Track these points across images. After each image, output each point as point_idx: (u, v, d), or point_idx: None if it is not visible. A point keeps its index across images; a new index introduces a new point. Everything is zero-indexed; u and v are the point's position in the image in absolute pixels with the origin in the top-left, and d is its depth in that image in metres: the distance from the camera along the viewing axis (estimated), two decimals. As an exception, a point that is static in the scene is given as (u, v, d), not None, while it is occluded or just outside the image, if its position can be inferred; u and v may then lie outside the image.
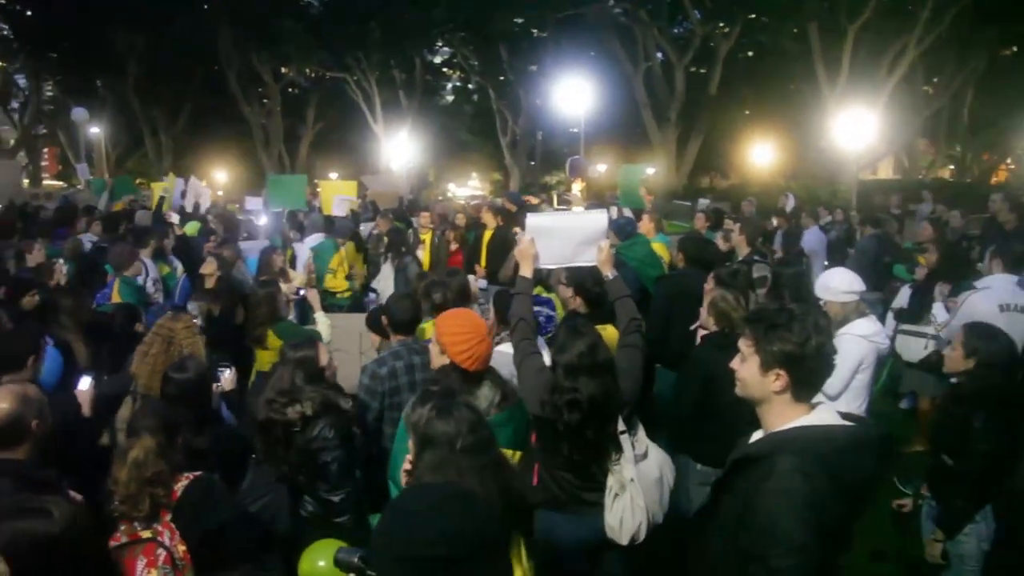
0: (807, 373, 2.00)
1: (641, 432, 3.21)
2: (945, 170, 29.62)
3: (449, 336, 3.13)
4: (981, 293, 5.03)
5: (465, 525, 1.52)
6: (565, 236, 3.61)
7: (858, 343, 4.00)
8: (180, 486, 2.46)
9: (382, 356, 3.83)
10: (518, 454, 3.09)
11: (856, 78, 20.52)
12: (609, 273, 3.58)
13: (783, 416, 2.03)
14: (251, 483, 3.02)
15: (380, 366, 3.70)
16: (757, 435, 2.12)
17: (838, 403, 4.07)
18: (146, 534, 2.33)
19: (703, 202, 13.62)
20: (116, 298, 6.08)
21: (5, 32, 30.81)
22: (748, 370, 2.07)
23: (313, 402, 3.09)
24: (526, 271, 3.53)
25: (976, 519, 3.34)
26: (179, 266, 7.75)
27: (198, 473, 2.55)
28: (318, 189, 14.80)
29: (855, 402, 4.08)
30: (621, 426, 3.08)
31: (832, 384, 4.04)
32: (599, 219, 3.67)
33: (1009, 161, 30.68)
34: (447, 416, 2.25)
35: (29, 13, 29.25)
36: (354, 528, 3.05)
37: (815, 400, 2.07)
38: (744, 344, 2.09)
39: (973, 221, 10.10)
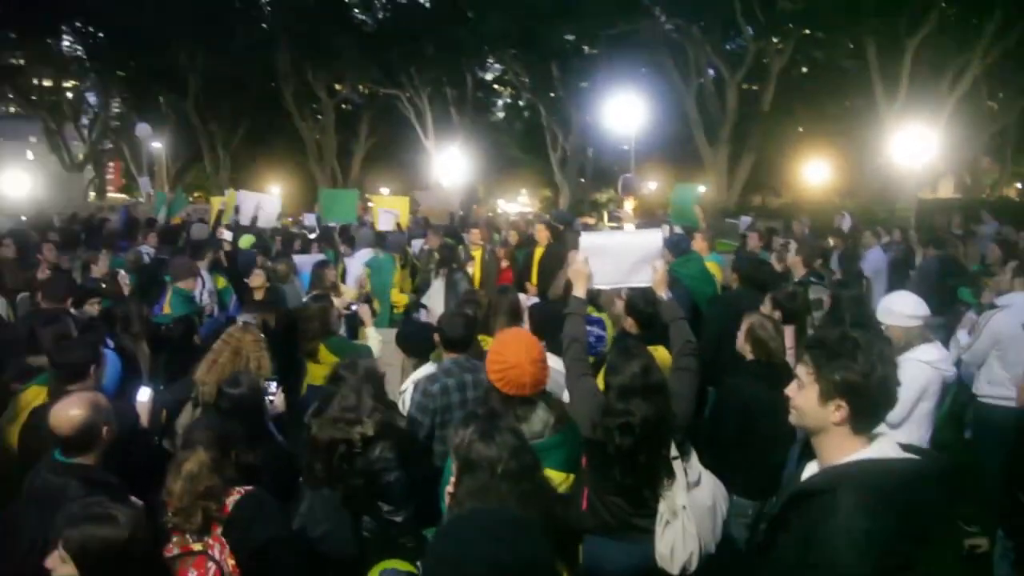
0: (870, 405, 1.91)
1: (694, 458, 3.13)
2: (1011, 188, 28.61)
3: (490, 357, 3.15)
4: (1003, 312, 4.84)
5: (516, 553, 1.51)
6: (619, 255, 3.56)
7: (922, 369, 3.86)
8: (231, 500, 2.49)
9: (434, 373, 3.83)
10: (571, 477, 3.05)
11: (916, 94, 19.90)
12: (663, 294, 3.52)
13: (842, 449, 1.93)
14: (310, 507, 2.99)
15: (432, 383, 3.70)
16: (812, 468, 2.03)
17: (900, 432, 3.94)
18: (197, 547, 2.37)
19: (745, 220, 13.42)
20: (167, 309, 6.25)
21: (79, 53, 32.13)
22: (806, 399, 1.98)
23: (375, 422, 3.10)
24: (579, 291, 3.49)
25: None
26: (233, 280, 7.92)
27: (250, 488, 2.57)
28: (370, 204, 15.04)
29: (918, 431, 3.93)
30: (674, 451, 3.01)
31: (895, 412, 3.88)
32: (654, 238, 3.63)
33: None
34: (489, 440, 2.24)
35: (101, 35, 30.47)
36: (416, 548, 3.03)
37: (876, 430, 1.99)
38: (803, 371, 2.00)
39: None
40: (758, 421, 3.60)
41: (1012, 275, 5.23)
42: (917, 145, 16.92)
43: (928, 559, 1.96)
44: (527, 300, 6.27)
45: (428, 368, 4.05)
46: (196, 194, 33.89)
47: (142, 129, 24.72)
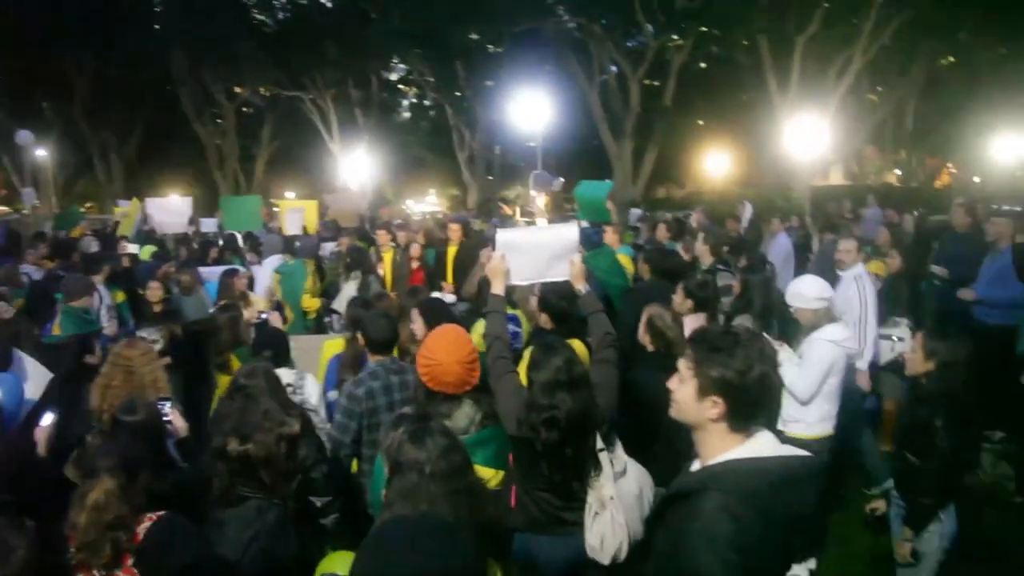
0: (746, 403, 1.88)
1: (619, 449, 3.16)
2: (891, 175, 30.48)
3: (421, 352, 3.17)
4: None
5: (443, 562, 1.49)
6: (536, 251, 3.55)
7: (829, 348, 4.04)
8: (143, 528, 2.32)
9: (360, 377, 3.77)
10: (500, 474, 3.04)
11: (806, 87, 21.07)
12: (582, 288, 3.53)
13: (716, 447, 1.91)
14: (238, 526, 2.81)
15: (357, 387, 3.64)
16: (695, 466, 2.01)
17: (810, 407, 4.11)
18: (106, 583, 2.20)
19: (635, 212, 13.83)
20: (57, 330, 5.87)
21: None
22: (684, 393, 1.95)
23: (297, 418, 2.99)
24: (498, 288, 3.47)
25: (940, 517, 3.40)
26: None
27: (161, 513, 2.42)
28: (275, 209, 14.58)
29: (827, 406, 4.12)
30: (600, 443, 3.02)
31: (804, 389, 4.08)
32: (570, 233, 3.62)
33: (950, 165, 31.70)
34: (419, 442, 2.19)
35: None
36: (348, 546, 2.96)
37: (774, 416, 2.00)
38: (683, 365, 1.97)
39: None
40: (661, 413, 3.66)
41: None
42: (809, 136, 17.75)
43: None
44: (447, 298, 6.23)
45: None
46: (88, 204, 32.02)
47: (23, 137, 23.12)
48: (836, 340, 4.08)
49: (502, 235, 3.67)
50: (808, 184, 20.51)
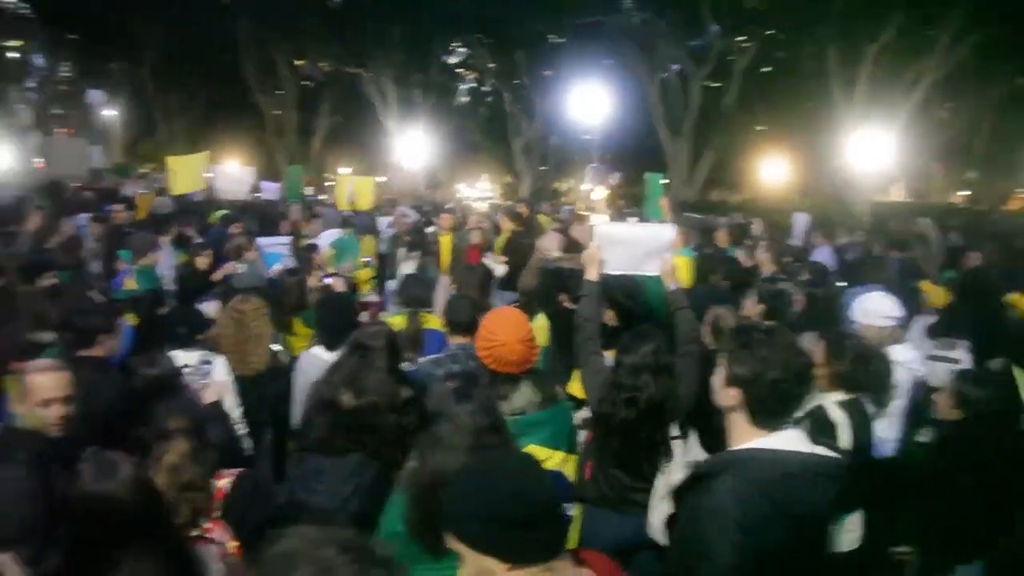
0: (760, 402, 2.01)
1: (694, 441, 3.31)
2: (956, 196, 29.60)
3: (480, 334, 3.27)
4: None
5: (541, 486, 1.64)
6: (631, 245, 3.78)
7: (894, 369, 3.96)
8: (225, 483, 2.42)
9: (439, 357, 3.84)
10: (558, 454, 3.11)
11: (873, 99, 20.43)
12: (671, 285, 3.70)
13: (741, 435, 2.05)
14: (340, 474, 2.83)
15: (437, 367, 3.71)
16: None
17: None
18: (194, 532, 2.29)
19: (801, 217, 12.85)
20: (133, 284, 6.09)
21: (25, 11, 30.73)
22: (716, 380, 2.12)
23: (408, 387, 3.10)
24: (591, 275, 3.69)
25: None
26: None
27: (241, 470, 2.51)
28: (329, 183, 14.80)
29: (890, 428, 4.04)
30: (676, 432, 3.21)
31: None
32: (666, 233, 3.86)
33: (1021, 190, 30.63)
34: (458, 397, 2.42)
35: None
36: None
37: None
38: (722, 354, 2.15)
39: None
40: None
41: None
42: (873, 149, 17.36)
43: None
44: (497, 269, 6.31)
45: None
46: (151, 165, 32.86)
47: (95, 96, 23.88)
48: (902, 361, 4.01)
49: (600, 227, 3.96)
50: (868, 199, 20.07)
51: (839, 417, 3.30)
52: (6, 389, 3.17)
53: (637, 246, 3.77)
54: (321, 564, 1.31)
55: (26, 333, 4.18)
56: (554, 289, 4.95)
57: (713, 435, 3.37)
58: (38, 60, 33.15)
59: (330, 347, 4.10)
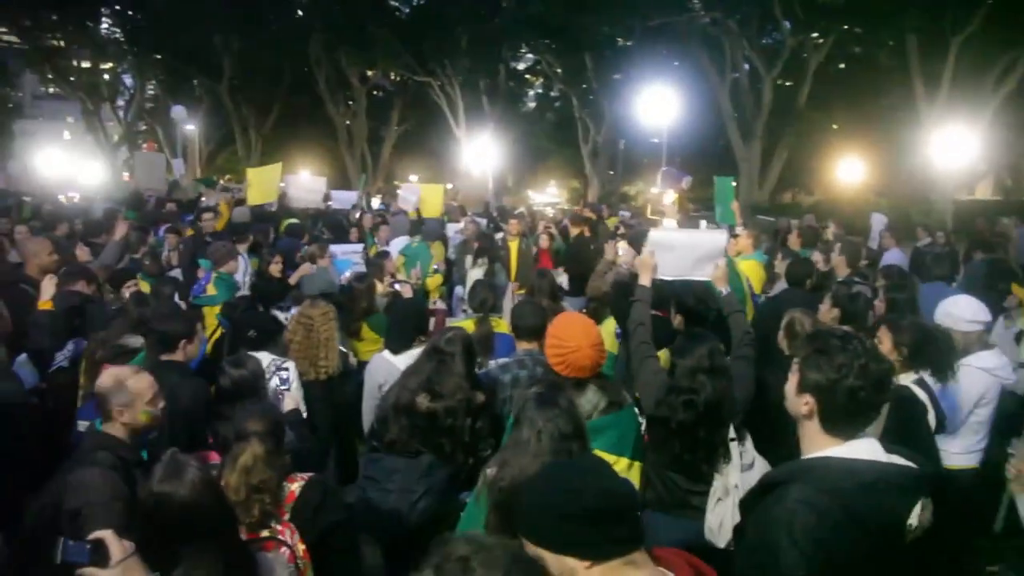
0: (835, 410, 1.93)
1: (749, 443, 3.30)
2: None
3: (550, 341, 3.24)
4: None
5: (620, 483, 1.70)
6: (685, 251, 3.80)
7: (980, 376, 3.79)
8: (296, 486, 2.48)
9: (507, 362, 3.87)
10: (622, 460, 3.09)
11: (958, 93, 19.41)
12: (724, 289, 3.72)
13: (813, 443, 1.98)
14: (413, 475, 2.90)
15: (504, 372, 3.75)
16: None
17: (956, 438, 3.87)
18: (265, 533, 2.35)
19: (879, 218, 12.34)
20: (212, 290, 6.33)
21: (117, 35, 32.50)
22: (789, 386, 2.06)
23: (482, 392, 3.19)
24: (645, 280, 3.73)
25: None
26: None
27: (311, 475, 2.58)
28: (399, 191, 15.01)
29: (973, 438, 3.87)
30: (732, 434, 3.20)
31: (949, 420, 3.84)
32: (719, 238, 3.90)
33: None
34: (541, 403, 2.42)
35: (139, 17, 30.78)
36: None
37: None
38: (796, 360, 2.08)
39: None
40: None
41: None
42: (957, 145, 16.58)
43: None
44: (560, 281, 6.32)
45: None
46: (228, 176, 34.17)
47: (177, 111, 24.97)
48: (988, 368, 3.82)
49: (654, 234, 3.94)
50: (951, 198, 19.16)
51: (922, 395, 3.33)
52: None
53: (690, 251, 3.81)
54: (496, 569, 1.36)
55: (116, 338, 4.39)
56: (626, 298, 4.91)
57: (768, 437, 3.40)
58: (127, 79, 34.98)
59: (396, 351, 4.16)
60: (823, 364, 1.94)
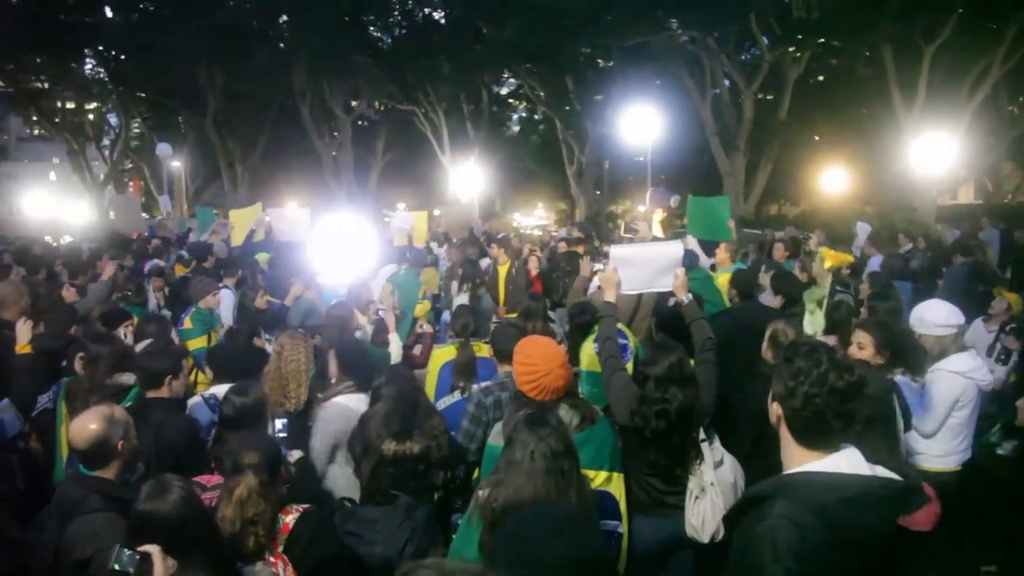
0: (796, 417, 1.96)
1: (717, 441, 3.44)
2: (1032, 194, 28.28)
3: (519, 368, 3.29)
4: None
5: (588, 547, 1.65)
6: (645, 264, 3.97)
7: (954, 380, 3.84)
8: (291, 519, 2.49)
9: (489, 385, 3.90)
10: (601, 474, 3.13)
11: (934, 100, 19.73)
12: (684, 297, 3.90)
13: (792, 458, 2.00)
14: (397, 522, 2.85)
15: (487, 395, 3.79)
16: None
17: (934, 442, 3.92)
18: (259, 565, 2.36)
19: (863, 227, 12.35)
20: (188, 324, 6.37)
21: (101, 75, 32.66)
22: (770, 396, 2.09)
23: (443, 420, 3.26)
24: (610, 296, 3.87)
25: None
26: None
27: (306, 506, 2.59)
28: (385, 219, 15.07)
29: (953, 441, 3.91)
30: (701, 435, 3.33)
31: (926, 423, 3.88)
32: (675, 249, 4.04)
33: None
34: (531, 425, 2.49)
35: (123, 57, 30.92)
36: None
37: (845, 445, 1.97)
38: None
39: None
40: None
41: None
42: (936, 151, 16.78)
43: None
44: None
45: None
46: (214, 211, 34.19)
47: (163, 149, 25.09)
48: (963, 371, 3.87)
49: (615, 250, 4.12)
50: (933, 203, 19.35)
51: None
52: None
53: (650, 264, 3.97)
54: None
55: (106, 378, 4.38)
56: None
57: (732, 436, 3.60)
58: (112, 119, 35.11)
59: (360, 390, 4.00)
60: (784, 371, 2.00)
